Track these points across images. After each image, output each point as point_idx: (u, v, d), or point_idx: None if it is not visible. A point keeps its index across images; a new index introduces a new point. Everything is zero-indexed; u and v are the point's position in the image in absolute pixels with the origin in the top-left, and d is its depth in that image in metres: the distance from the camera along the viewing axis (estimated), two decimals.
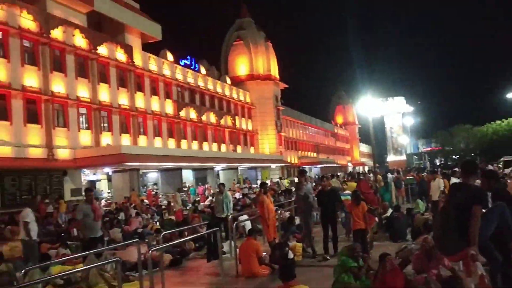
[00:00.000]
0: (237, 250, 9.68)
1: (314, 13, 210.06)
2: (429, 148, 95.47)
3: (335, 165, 73.49)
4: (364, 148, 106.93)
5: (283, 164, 53.49)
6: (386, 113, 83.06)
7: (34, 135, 24.32)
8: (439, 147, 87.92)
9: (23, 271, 6.57)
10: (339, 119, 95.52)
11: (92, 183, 33.35)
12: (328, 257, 9.88)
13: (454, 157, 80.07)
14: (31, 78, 24.47)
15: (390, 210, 13.73)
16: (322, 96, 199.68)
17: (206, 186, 35.04)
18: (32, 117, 24.32)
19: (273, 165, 51.42)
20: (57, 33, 26.17)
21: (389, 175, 20.44)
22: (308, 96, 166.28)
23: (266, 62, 54.27)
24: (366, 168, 77.52)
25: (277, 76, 56.30)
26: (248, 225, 13.02)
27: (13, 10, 23.67)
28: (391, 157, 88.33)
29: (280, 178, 41.76)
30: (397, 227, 12.02)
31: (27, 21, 24.40)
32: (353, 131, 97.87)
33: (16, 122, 23.39)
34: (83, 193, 27.07)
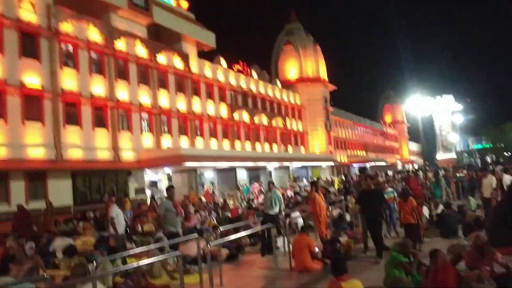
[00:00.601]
0: (290, 245, 9.68)
1: (361, 14, 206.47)
2: (479, 145, 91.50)
3: (384, 163, 71.87)
4: (413, 146, 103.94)
5: (333, 163, 52.92)
6: (435, 111, 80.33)
7: (101, 138, 25.31)
8: (490, 144, 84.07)
9: (95, 263, 6.83)
10: (388, 118, 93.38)
11: (154, 183, 34.27)
12: (380, 259, 9.28)
13: (506, 154, 76.30)
14: (98, 86, 25.48)
15: (440, 207, 13.30)
16: (370, 96, 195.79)
17: (256, 184, 35.10)
18: (99, 122, 25.32)
19: (323, 164, 50.98)
20: (120, 45, 27.13)
21: (441, 172, 19.81)
22: (357, 96, 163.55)
23: (315, 64, 53.94)
24: (416, 166, 75.32)
25: (326, 78, 55.81)
26: (300, 221, 12.99)
27: (81, 24, 24.75)
28: (440, 155, 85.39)
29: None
30: (448, 224, 11.64)
31: (93, 34, 25.45)
32: (401, 130, 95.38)
33: (86, 127, 24.40)
34: (145, 191, 27.94)
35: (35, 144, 21.38)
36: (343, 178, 35.93)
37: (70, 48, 24.28)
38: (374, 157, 72.23)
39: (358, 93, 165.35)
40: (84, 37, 24.80)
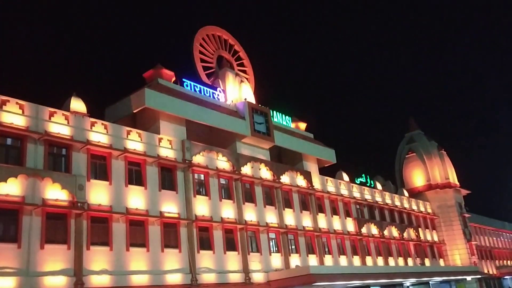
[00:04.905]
0: None
1: (478, 114, 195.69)
2: None
3: None
4: None
5: (479, 276, 47.13)
6: None
7: (232, 261, 25.80)
8: None
9: None
10: None
11: None
12: None
13: None
14: (227, 210, 26.73)
15: None
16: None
17: None
18: (230, 245, 26.07)
19: (468, 277, 45.63)
20: (246, 169, 28.74)
21: None
22: (495, 199, 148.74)
23: (443, 170, 51.52)
24: None
25: (457, 183, 52.41)
26: None
27: (211, 155, 26.97)
28: None
29: None
30: None
31: (222, 162, 27.45)
32: None
33: (218, 251, 25.21)
34: None
35: (172, 269, 22.47)
36: None
37: (202, 177, 26.32)
38: None
39: (496, 195, 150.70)
40: (214, 166, 26.82)
